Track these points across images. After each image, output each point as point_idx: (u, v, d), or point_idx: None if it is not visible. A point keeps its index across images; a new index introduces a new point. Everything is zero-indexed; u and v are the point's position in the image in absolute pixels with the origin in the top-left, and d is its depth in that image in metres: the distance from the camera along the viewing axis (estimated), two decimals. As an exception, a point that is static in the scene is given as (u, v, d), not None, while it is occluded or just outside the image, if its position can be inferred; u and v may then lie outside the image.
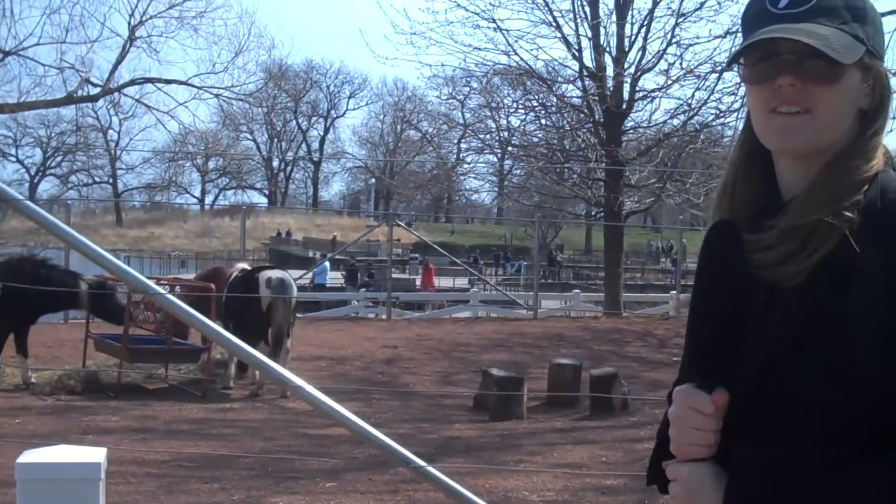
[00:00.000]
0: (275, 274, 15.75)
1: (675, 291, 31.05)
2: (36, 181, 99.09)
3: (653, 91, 28.39)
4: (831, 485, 1.71)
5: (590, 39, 27.19)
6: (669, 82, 27.35)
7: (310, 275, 34.09)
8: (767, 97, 1.88)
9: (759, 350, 1.82)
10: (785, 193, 1.93)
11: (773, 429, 1.79)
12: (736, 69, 1.99)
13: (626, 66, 27.10)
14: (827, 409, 1.73)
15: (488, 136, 38.56)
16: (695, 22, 26.93)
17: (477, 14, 26.79)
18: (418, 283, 43.53)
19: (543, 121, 32.10)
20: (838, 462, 1.71)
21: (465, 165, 72.45)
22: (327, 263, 31.81)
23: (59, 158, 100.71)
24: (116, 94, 36.21)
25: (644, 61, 27.51)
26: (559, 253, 67.41)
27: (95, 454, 3.53)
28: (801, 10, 1.86)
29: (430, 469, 4.54)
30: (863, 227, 1.76)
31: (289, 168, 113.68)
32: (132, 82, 34.85)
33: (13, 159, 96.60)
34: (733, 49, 25.21)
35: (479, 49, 27.54)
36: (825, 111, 1.85)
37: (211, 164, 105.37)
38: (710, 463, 1.83)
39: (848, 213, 1.78)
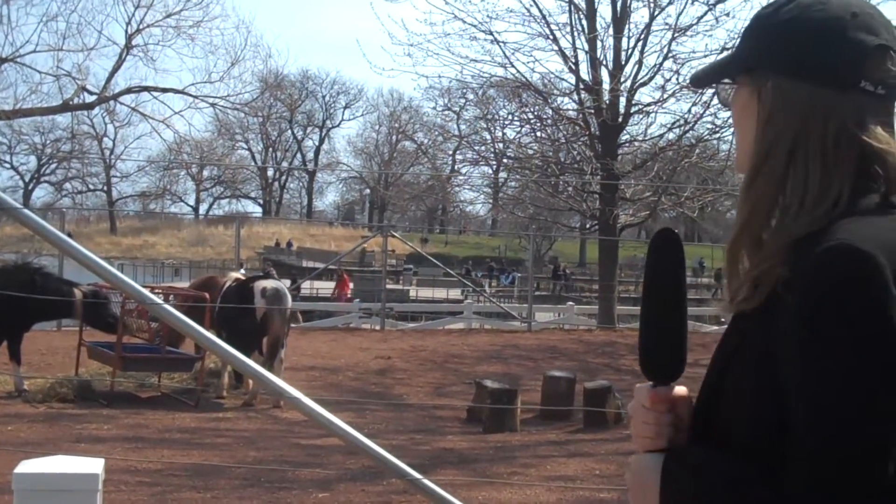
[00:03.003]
0: (269, 284, 15.75)
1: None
2: (30, 188, 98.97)
3: (648, 105, 28.44)
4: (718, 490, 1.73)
5: (586, 53, 27.23)
6: (665, 96, 27.44)
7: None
8: None
9: (711, 365, 1.86)
10: None
11: (707, 437, 1.84)
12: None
13: (622, 79, 27.14)
14: (745, 430, 1.75)
15: (483, 148, 38.64)
16: (691, 37, 27.04)
17: (474, 26, 26.82)
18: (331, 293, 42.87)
19: (539, 133, 32.15)
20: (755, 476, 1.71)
21: (461, 177, 72.57)
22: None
23: (53, 165, 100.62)
24: (112, 101, 36.18)
25: (640, 75, 27.58)
26: (565, 266, 67.07)
27: (92, 465, 3.53)
28: None
29: (424, 481, 4.53)
30: None
31: (283, 178, 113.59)
32: (128, 90, 34.85)
33: (7, 166, 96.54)
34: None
35: (476, 61, 27.56)
36: None
37: (206, 173, 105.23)
38: (658, 455, 1.87)
39: None
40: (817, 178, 1.77)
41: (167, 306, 5.06)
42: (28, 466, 3.51)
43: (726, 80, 1.95)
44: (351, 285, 42.10)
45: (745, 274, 1.81)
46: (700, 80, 2.03)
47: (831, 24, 1.80)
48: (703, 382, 1.88)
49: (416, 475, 4.50)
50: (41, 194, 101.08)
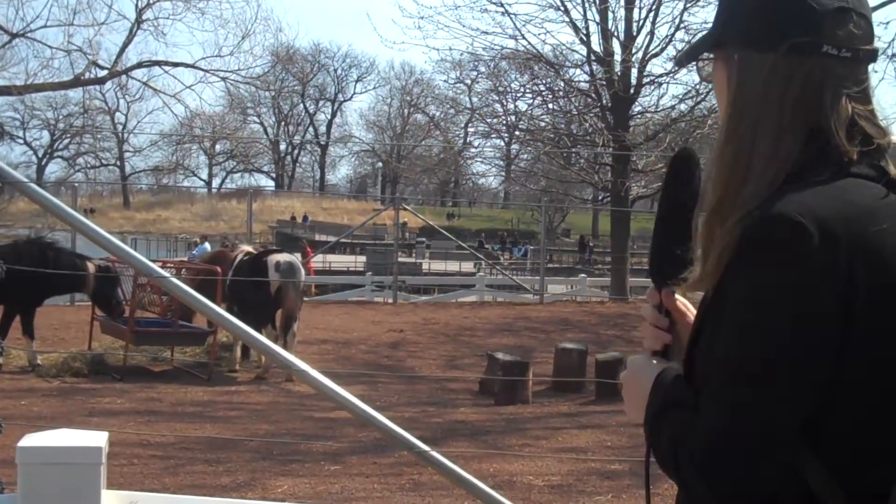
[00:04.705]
0: (283, 257, 15.74)
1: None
2: (43, 163, 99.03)
3: (660, 76, 28.36)
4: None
5: (598, 24, 27.12)
6: (677, 67, 27.28)
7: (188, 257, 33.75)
8: None
9: (692, 327, 1.93)
10: None
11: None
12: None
13: (633, 50, 27.03)
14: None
15: (495, 121, 38.50)
16: (703, 7, 26.85)
17: (485, -2, 26.71)
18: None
19: (551, 105, 32.07)
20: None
21: (472, 149, 72.44)
22: (207, 245, 31.94)
23: (66, 141, 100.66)
24: (124, 76, 36.24)
25: (652, 46, 27.45)
26: (589, 239, 66.82)
27: (96, 438, 3.54)
28: None
29: (433, 453, 4.53)
30: None
31: (296, 151, 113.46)
32: (139, 65, 34.89)
33: (21, 141, 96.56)
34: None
35: (487, 33, 27.49)
36: None
37: (218, 148, 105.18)
38: (647, 358, 2.01)
39: None
40: (769, 145, 1.80)
41: (176, 280, 5.06)
42: (31, 440, 3.53)
43: (703, 57, 1.99)
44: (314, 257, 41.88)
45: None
46: (681, 60, 2.07)
47: None
48: (687, 343, 1.94)
49: (424, 447, 4.50)
50: (54, 169, 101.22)
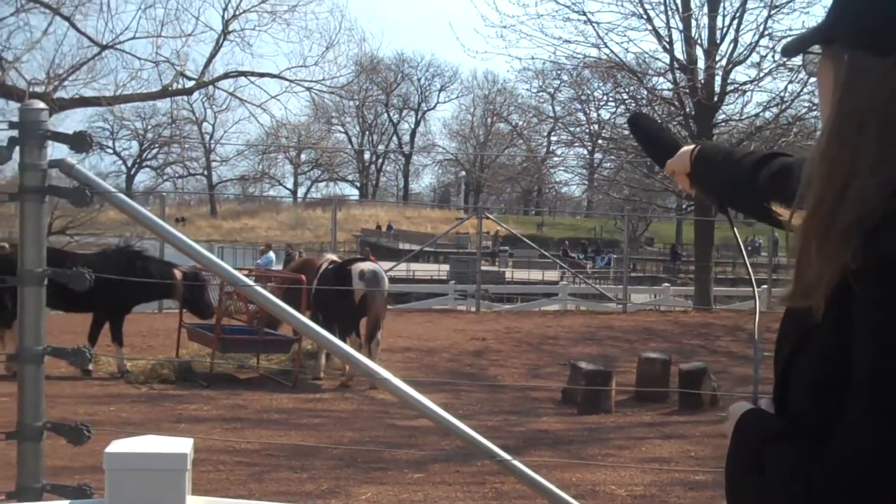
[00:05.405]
0: (367, 266, 15.83)
1: (765, 286, 30.64)
2: (132, 173, 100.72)
3: (745, 84, 28.09)
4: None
5: (681, 32, 26.97)
6: (762, 75, 27.07)
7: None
8: None
9: (788, 341, 1.81)
10: None
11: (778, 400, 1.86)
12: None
13: (717, 58, 26.84)
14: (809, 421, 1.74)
15: (578, 129, 38.41)
16: (788, 14, 26.77)
17: (567, 7, 26.69)
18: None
19: (634, 113, 31.86)
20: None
21: (555, 158, 72.32)
22: (272, 254, 31.87)
23: (154, 150, 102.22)
24: (210, 87, 36.67)
25: (736, 54, 27.25)
26: (681, 248, 66.11)
27: (182, 445, 3.60)
28: None
29: (515, 462, 4.55)
30: None
31: (380, 160, 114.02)
32: (226, 75, 35.28)
33: (110, 151, 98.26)
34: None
35: (570, 42, 27.40)
36: None
37: (303, 157, 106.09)
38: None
39: None
40: (872, 155, 1.66)
41: (260, 289, 5.13)
42: (118, 446, 3.59)
43: (811, 51, 1.88)
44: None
45: (812, 263, 1.72)
46: (788, 51, 1.93)
47: None
48: (774, 371, 1.85)
49: (506, 456, 4.52)
50: (143, 179, 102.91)
